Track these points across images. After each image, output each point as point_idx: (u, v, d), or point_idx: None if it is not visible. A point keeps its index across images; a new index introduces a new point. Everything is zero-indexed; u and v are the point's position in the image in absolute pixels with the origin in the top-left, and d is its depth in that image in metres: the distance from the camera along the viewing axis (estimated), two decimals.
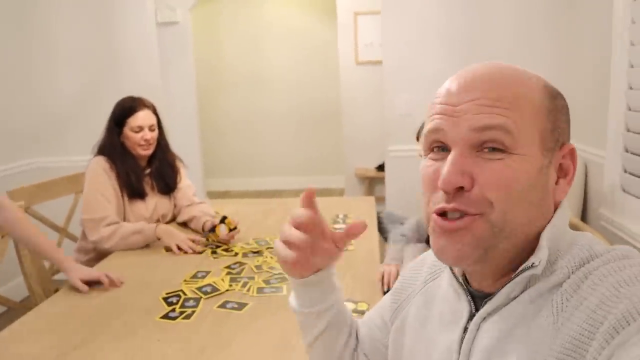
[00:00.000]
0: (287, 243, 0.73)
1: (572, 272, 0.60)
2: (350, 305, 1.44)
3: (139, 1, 3.37)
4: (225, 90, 6.02)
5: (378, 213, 2.52)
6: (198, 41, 5.48)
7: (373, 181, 5.08)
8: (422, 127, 1.65)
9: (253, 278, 1.68)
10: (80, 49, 3.36)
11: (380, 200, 3.38)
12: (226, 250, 1.97)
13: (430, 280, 0.78)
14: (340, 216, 2.35)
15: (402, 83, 3.16)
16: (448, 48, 3.07)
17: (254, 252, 1.93)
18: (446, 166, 0.61)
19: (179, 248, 1.95)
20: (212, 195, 5.76)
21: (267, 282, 1.65)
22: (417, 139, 2.19)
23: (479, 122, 0.61)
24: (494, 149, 0.61)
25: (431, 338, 0.73)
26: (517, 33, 2.98)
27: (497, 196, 0.60)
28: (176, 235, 1.99)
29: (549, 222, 0.64)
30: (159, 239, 2.01)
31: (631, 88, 2.14)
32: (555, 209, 0.65)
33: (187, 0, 4.53)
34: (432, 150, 0.66)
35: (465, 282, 0.70)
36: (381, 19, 3.15)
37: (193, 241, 1.98)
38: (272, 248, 1.96)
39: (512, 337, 0.61)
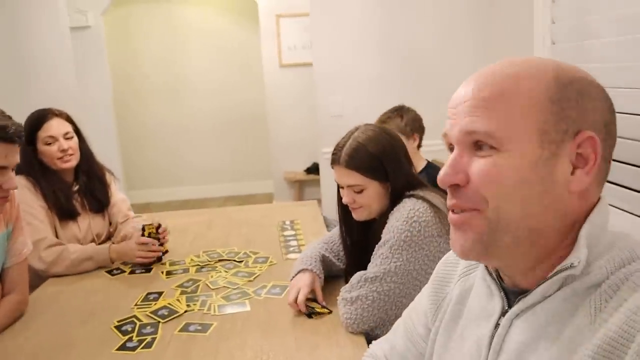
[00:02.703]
0: None
1: (612, 273, 0.60)
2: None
3: (48, 5, 3.10)
4: (144, 97, 5.72)
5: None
6: (113, 47, 5.18)
7: (303, 184, 5.06)
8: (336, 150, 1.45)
9: (211, 295, 1.58)
10: None
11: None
12: (173, 263, 1.87)
13: (464, 274, 0.79)
14: (287, 222, 2.30)
15: (334, 84, 3.17)
16: (378, 48, 3.11)
17: (207, 267, 1.81)
18: (444, 165, 0.65)
19: (145, 258, 1.83)
20: (134, 208, 5.44)
21: (227, 298, 1.56)
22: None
23: (466, 127, 0.64)
24: (485, 147, 0.63)
25: (462, 332, 0.73)
26: (443, 32, 3.09)
27: (489, 193, 0.62)
28: (130, 251, 1.84)
29: (579, 218, 0.63)
30: (113, 262, 1.87)
31: None
32: (592, 205, 0.64)
33: (98, 4, 4.27)
34: (450, 148, 0.69)
35: (499, 278, 0.70)
36: (310, 20, 3.13)
37: (144, 244, 1.85)
38: (225, 260, 1.87)
39: (545, 335, 0.61)
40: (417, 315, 0.88)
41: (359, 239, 1.52)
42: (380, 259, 1.34)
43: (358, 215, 1.46)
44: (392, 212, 1.40)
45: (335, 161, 1.44)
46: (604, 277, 0.60)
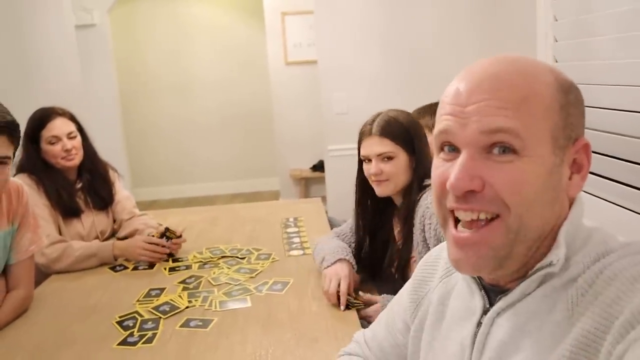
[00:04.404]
0: None
1: (588, 268, 0.60)
2: None
3: (53, 3, 3.12)
4: (150, 95, 5.75)
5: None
6: (118, 45, 5.20)
7: (309, 181, 5.07)
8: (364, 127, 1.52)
9: (213, 291, 1.60)
10: None
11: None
12: (175, 260, 1.88)
13: (446, 275, 0.78)
14: (291, 220, 2.31)
15: (339, 82, 3.16)
16: (382, 46, 3.11)
17: (209, 263, 1.83)
18: (455, 169, 0.61)
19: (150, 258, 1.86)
20: (139, 205, 5.46)
21: (228, 294, 1.57)
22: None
23: (488, 125, 0.59)
24: (504, 150, 0.60)
25: (446, 333, 0.73)
26: (447, 29, 3.08)
27: (513, 200, 0.59)
28: (137, 248, 1.86)
29: (565, 219, 0.63)
30: (116, 259, 1.89)
31: None
32: (570, 204, 0.65)
33: (104, 2, 4.29)
34: (442, 149, 0.65)
35: (479, 277, 0.70)
36: (314, 18, 3.13)
37: (151, 243, 1.87)
38: (227, 257, 1.88)
39: (526, 332, 0.62)
40: (398, 309, 0.89)
41: (372, 220, 1.57)
42: None
43: (382, 190, 1.48)
44: (417, 206, 1.42)
45: (365, 133, 1.49)
46: (580, 271, 0.60)
